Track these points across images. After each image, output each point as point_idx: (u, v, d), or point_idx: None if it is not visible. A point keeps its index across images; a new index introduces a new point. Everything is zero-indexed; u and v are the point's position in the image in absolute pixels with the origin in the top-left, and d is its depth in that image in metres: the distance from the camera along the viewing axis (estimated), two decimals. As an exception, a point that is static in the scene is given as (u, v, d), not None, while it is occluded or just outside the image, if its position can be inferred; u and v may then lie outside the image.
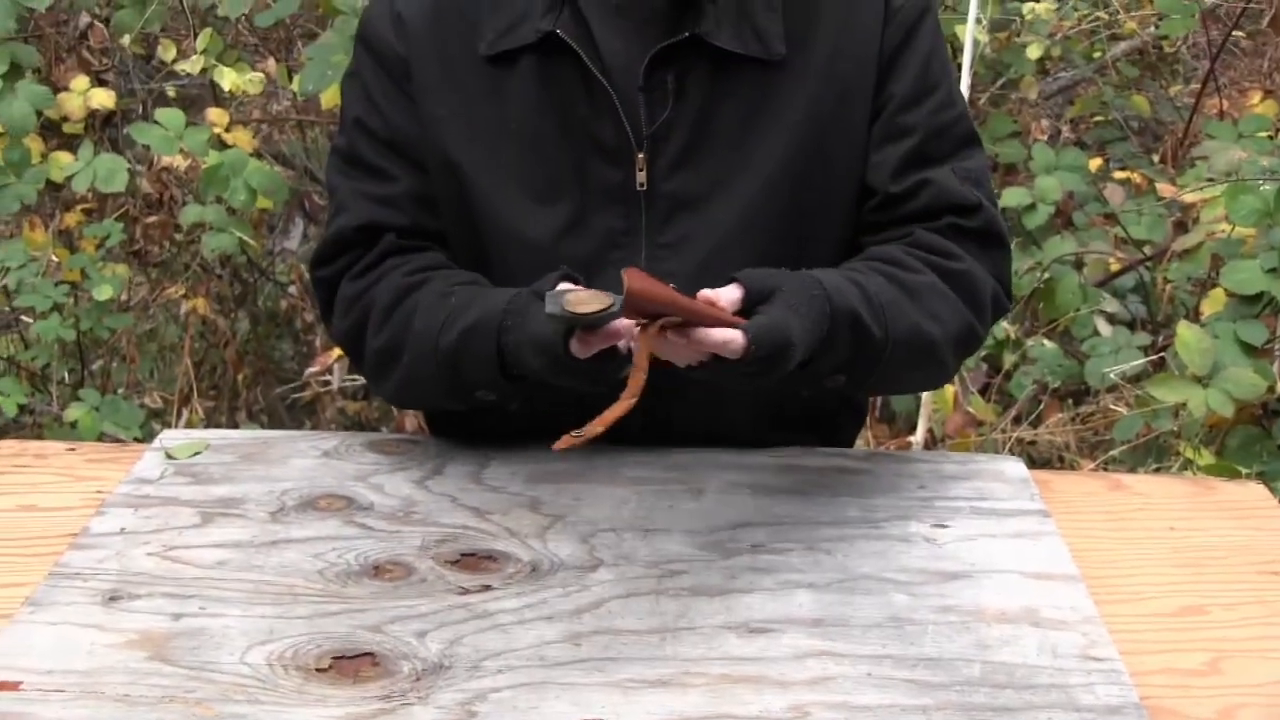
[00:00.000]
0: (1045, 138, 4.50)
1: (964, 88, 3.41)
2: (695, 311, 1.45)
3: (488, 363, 1.61)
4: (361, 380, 3.91)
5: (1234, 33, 4.81)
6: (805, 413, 1.84)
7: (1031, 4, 4.07)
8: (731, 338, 1.46)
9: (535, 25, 1.71)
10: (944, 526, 1.63)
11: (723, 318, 1.47)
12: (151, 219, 3.94)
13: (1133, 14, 4.40)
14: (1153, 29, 4.58)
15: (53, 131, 3.65)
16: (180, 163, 3.52)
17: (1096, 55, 4.78)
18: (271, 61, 3.95)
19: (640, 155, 1.72)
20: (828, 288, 1.57)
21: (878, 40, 1.76)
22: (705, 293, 1.49)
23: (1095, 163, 4.09)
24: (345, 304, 1.79)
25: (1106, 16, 4.44)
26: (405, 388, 1.77)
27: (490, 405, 1.69)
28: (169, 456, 1.76)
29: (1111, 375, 3.15)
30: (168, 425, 3.53)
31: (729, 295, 1.51)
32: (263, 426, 3.85)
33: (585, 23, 1.72)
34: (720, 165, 1.73)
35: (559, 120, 1.73)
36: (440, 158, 1.77)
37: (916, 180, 1.76)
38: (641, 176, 1.72)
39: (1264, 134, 3.39)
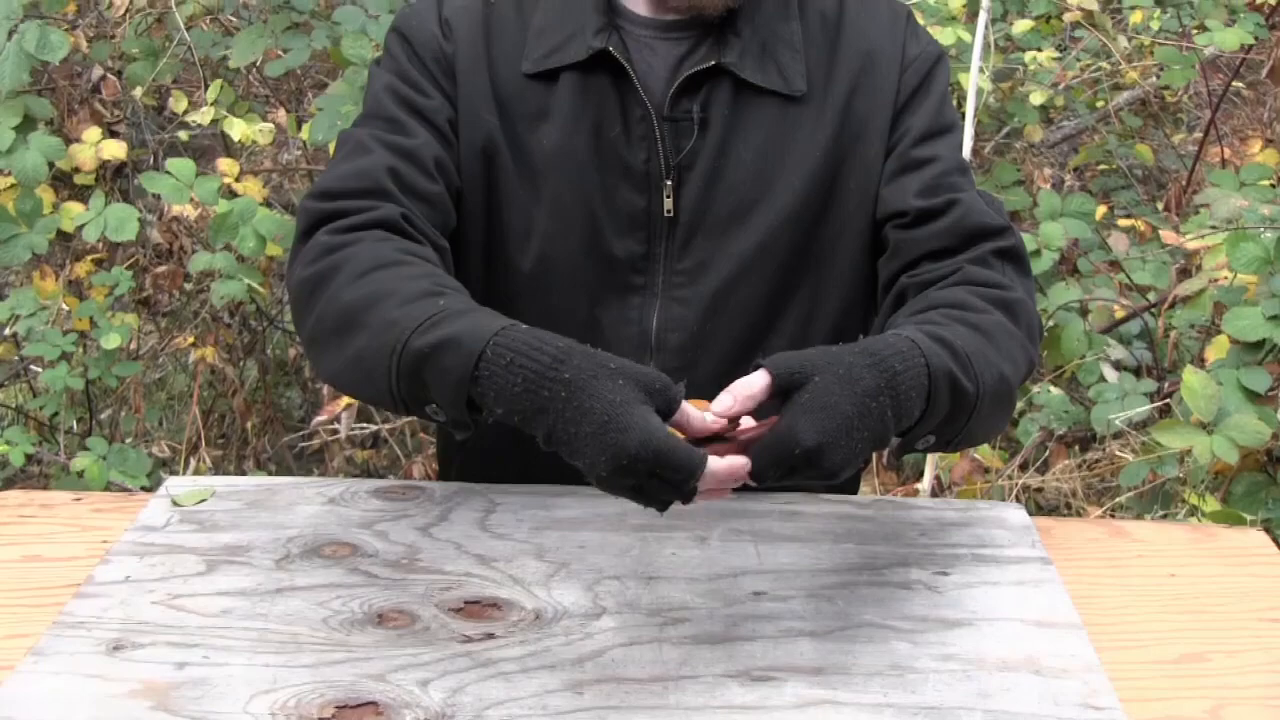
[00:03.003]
0: (1049, 185, 4.52)
1: (968, 136, 3.43)
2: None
3: (455, 382, 1.43)
4: (370, 429, 3.92)
5: (1234, 83, 4.83)
6: None
7: (1034, 53, 4.10)
8: (735, 469, 1.39)
9: (587, 43, 1.76)
10: (945, 574, 1.63)
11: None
12: (161, 268, 3.96)
13: (1134, 64, 4.42)
14: (1154, 79, 4.60)
15: (64, 182, 3.68)
16: (190, 212, 3.55)
17: (1099, 104, 4.80)
18: (282, 112, 3.98)
19: (668, 182, 1.75)
20: (921, 346, 1.49)
21: (895, 84, 1.82)
22: (735, 388, 1.42)
23: (1100, 210, 4.11)
24: (316, 251, 1.66)
25: (1109, 66, 4.46)
26: (350, 369, 1.57)
27: (430, 420, 1.54)
28: (175, 504, 1.77)
29: (1117, 422, 3.16)
30: (175, 474, 3.54)
31: (758, 383, 1.42)
32: (270, 475, 3.86)
33: (628, 49, 1.77)
34: (740, 195, 1.77)
35: (591, 141, 1.76)
36: (479, 148, 1.77)
37: (945, 199, 1.78)
38: (669, 203, 1.75)
39: (1265, 182, 3.40)
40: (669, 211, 1.77)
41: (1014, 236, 1.79)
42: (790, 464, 1.39)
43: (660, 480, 1.35)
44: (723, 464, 1.38)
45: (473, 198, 1.80)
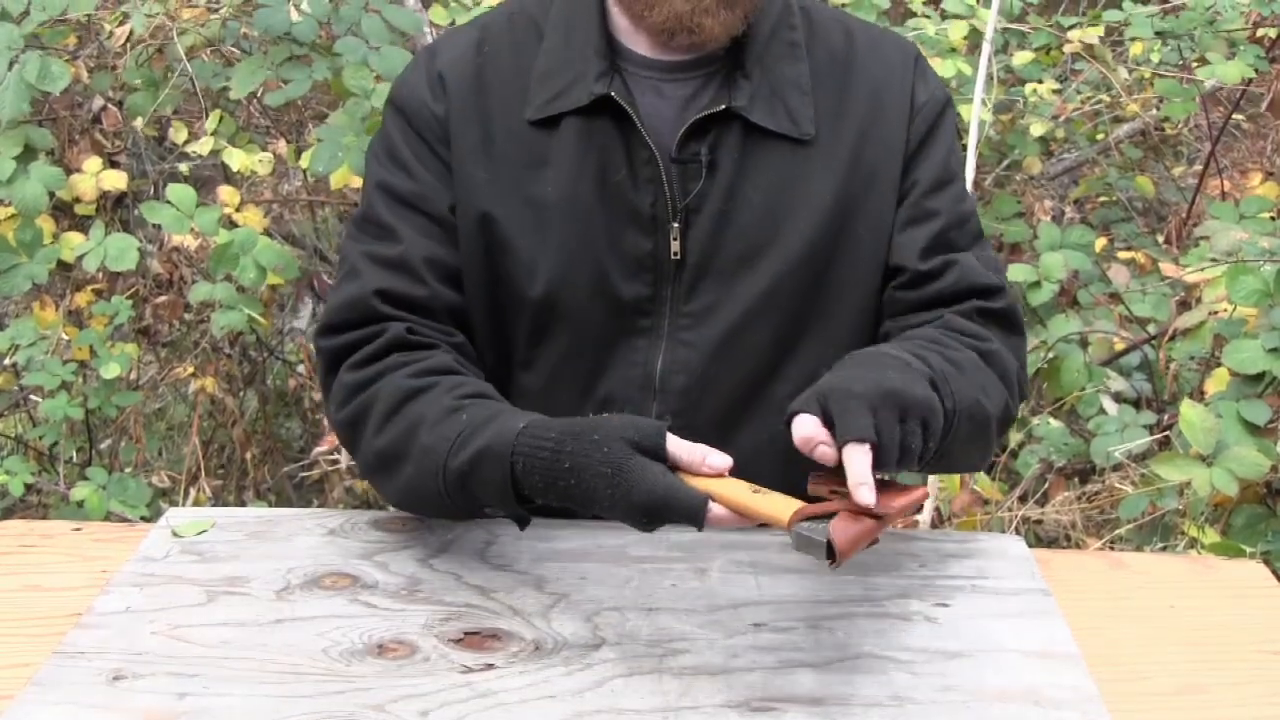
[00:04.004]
0: (1049, 218, 4.53)
1: (969, 168, 3.44)
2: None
3: (500, 487, 1.57)
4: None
5: (1234, 115, 4.84)
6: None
7: (1034, 85, 4.11)
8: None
9: (589, 88, 1.75)
10: (945, 605, 1.63)
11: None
12: (161, 298, 3.97)
13: (1135, 96, 4.43)
14: (1155, 111, 4.62)
15: (65, 212, 3.69)
16: (191, 242, 3.55)
17: (1100, 137, 4.82)
18: (282, 142, 3.99)
19: (674, 225, 1.75)
20: (912, 367, 1.57)
21: (904, 131, 1.81)
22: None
23: (1100, 242, 4.12)
24: (344, 392, 1.76)
25: (1109, 99, 4.48)
26: (407, 495, 1.73)
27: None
28: (175, 535, 1.77)
29: (1117, 454, 3.16)
30: (175, 504, 3.54)
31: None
32: (270, 505, 3.86)
33: (631, 92, 1.76)
34: (748, 239, 1.76)
35: (595, 185, 1.76)
36: (475, 215, 1.78)
37: (943, 260, 1.80)
38: (676, 246, 1.75)
39: (1265, 215, 3.41)
40: (676, 254, 1.77)
41: (1005, 298, 1.81)
42: (878, 401, 1.46)
43: (675, 521, 1.44)
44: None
45: (474, 258, 1.80)
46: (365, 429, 1.73)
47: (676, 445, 1.47)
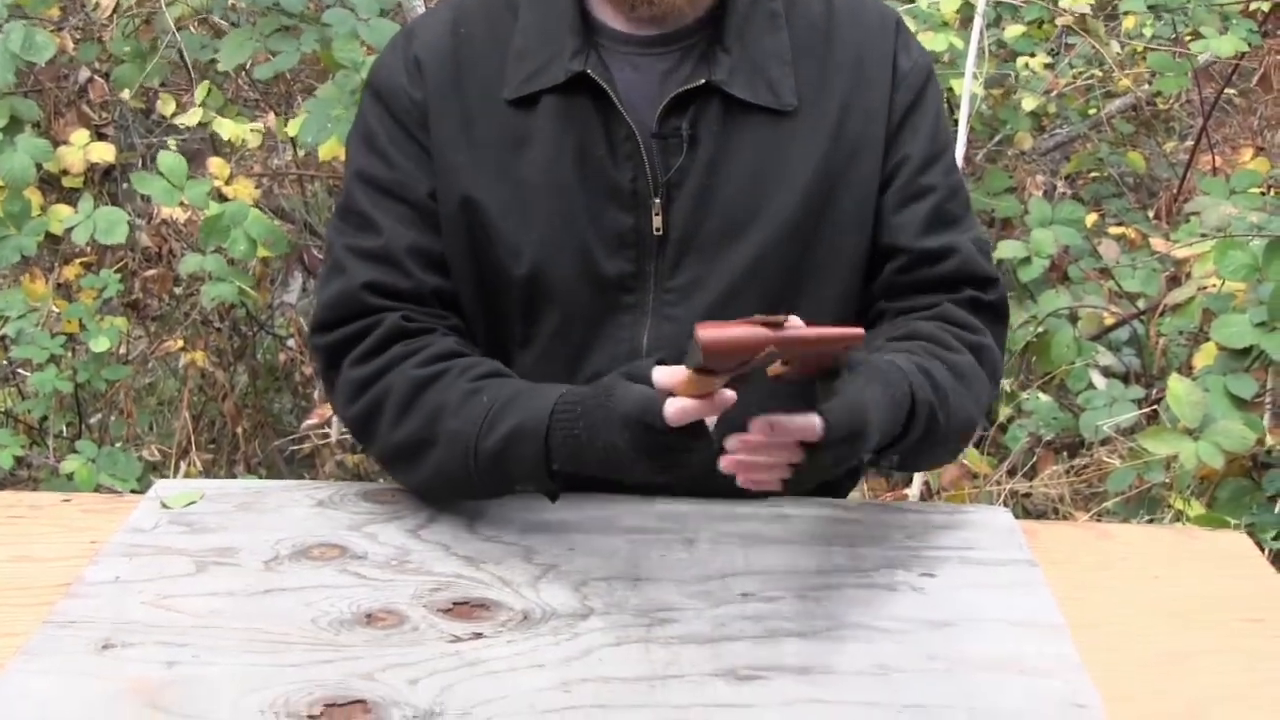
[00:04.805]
0: (1041, 193, 4.53)
1: (960, 143, 3.45)
2: (790, 340, 1.41)
3: (534, 464, 1.60)
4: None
5: (1226, 90, 4.85)
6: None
7: (1026, 60, 4.11)
8: (809, 424, 1.44)
9: (565, 66, 1.75)
10: (931, 576, 1.64)
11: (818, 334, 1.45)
12: (150, 272, 3.96)
13: (1127, 71, 4.44)
14: (1147, 86, 4.62)
15: (52, 185, 3.68)
16: (180, 215, 3.55)
17: (1092, 112, 4.82)
18: (271, 116, 3.99)
19: (656, 201, 1.75)
20: (910, 378, 1.60)
21: (887, 100, 1.81)
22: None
23: (1091, 218, 4.12)
24: (351, 389, 1.77)
25: (1101, 74, 4.48)
26: (432, 483, 1.74)
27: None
28: (164, 506, 1.78)
29: (1105, 428, 3.17)
30: (165, 478, 3.54)
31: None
32: (261, 479, 3.85)
33: (608, 68, 1.76)
34: (731, 213, 1.76)
35: (575, 163, 1.75)
36: (457, 199, 1.77)
37: (946, 244, 1.80)
38: (658, 221, 1.75)
39: (1255, 190, 3.42)
40: (658, 230, 1.76)
41: (998, 290, 1.84)
42: (856, 432, 1.47)
43: (663, 439, 1.47)
44: (796, 419, 1.44)
45: (458, 242, 1.79)
46: (380, 423, 1.74)
47: (661, 371, 1.49)
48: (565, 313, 1.78)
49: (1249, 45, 3.92)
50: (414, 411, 1.71)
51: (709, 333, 1.37)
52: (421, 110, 1.79)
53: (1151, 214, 4.66)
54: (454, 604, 1.56)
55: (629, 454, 1.51)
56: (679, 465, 1.50)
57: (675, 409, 1.44)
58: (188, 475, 3.64)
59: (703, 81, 1.74)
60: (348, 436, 3.93)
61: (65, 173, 3.46)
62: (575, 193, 1.75)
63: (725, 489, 1.54)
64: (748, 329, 1.38)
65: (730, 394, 1.44)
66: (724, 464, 1.47)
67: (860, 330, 1.46)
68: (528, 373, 1.77)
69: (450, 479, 1.70)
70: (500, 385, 1.69)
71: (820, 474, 1.49)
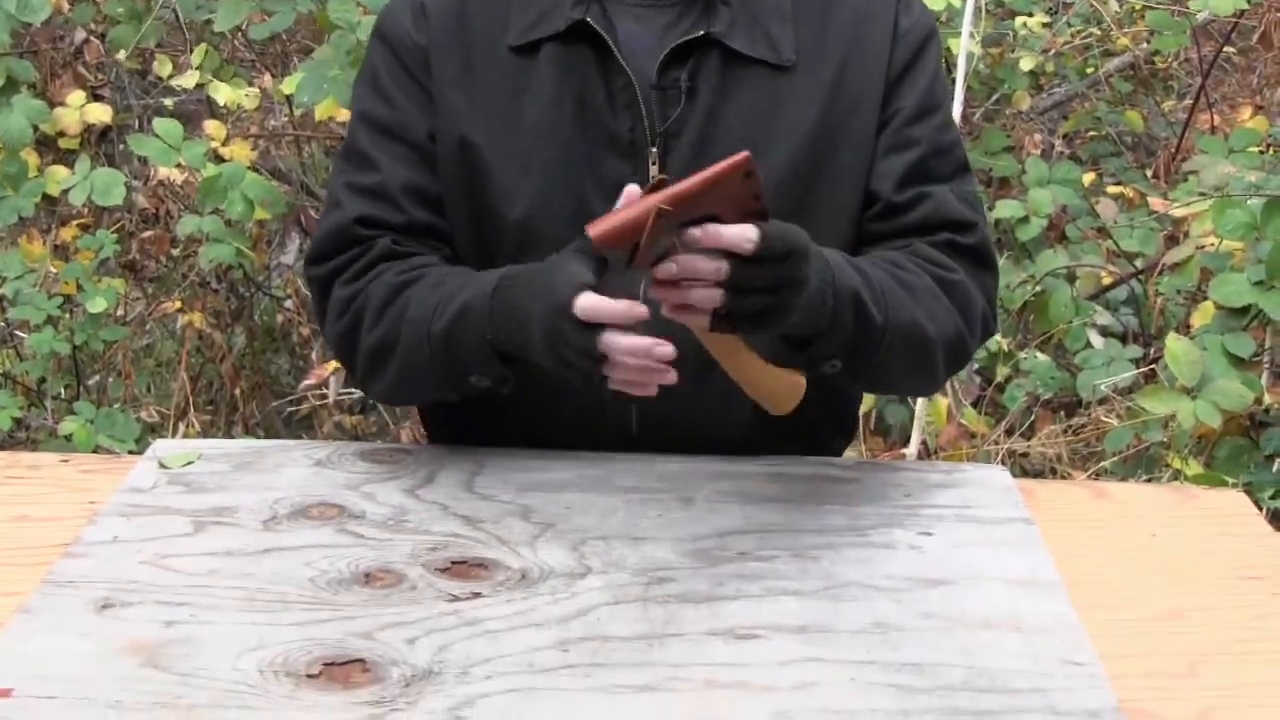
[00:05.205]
0: (1039, 152, 4.53)
1: (957, 102, 3.43)
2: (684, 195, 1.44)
3: (479, 342, 1.63)
4: (358, 394, 3.92)
5: (1225, 49, 4.83)
6: (795, 423, 1.86)
7: (1024, 19, 4.10)
8: (744, 232, 1.45)
9: (566, 14, 1.76)
10: (929, 534, 1.64)
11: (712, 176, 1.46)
12: (147, 233, 3.96)
13: (1125, 30, 4.42)
14: (1145, 45, 4.60)
15: (49, 147, 3.67)
16: (177, 176, 3.54)
17: (1090, 71, 4.80)
18: (268, 77, 3.98)
19: (653, 150, 1.75)
20: (831, 262, 1.59)
21: (886, 57, 1.81)
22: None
23: (1089, 177, 4.12)
24: (339, 307, 1.79)
25: (1099, 32, 4.46)
26: (399, 382, 1.77)
27: (484, 393, 1.70)
28: (162, 466, 1.78)
29: (1103, 387, 3.17)
30: (163, 439, 3.55)
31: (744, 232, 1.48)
32: (259, 440, 3.85)
33: (611, 19, 1.77)
34: None
35: (574, 111, 1.76)
36: (455, 142, 1.79)
37: (917, 192, 1.80)
38: (654, 171, 1.75)
39: (1253, 149, 3.41)
40: (654, 179, 1.76)
41: (977, 234, 1.81)
42: (796, 250, 1.50)
43: (566, 325, 1.50)
44: (730, 227, 1.45)
45: (455, 183, 1.80)
46: (360, 332, 1.77)
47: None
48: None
49: (1248, 3, 3.91)
50: (388, 313, 1.74)
51: (596, 227, 1.42)
52: (424, 54, 1.81)
53: (1150, 173, 4.65)
54: (452, 563, 1.57)
55: (536, 329, 1.54)
56: (568, 362, 1.53)
57: (587, 303, 1.48)
58: (186, 436, 3.64)
59: (702, 33, 1.75)
60: (345, 397, 3.94)
61: (62, 134, 3.46)
62: (573, 141, 1.76)
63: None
64: (629, 207, 1.43)
65: (643, 309, 1.47)
66: (657, 277, 1.47)
67: (745, 153, 1.46)
68: None
69: (411, 371, 1.73)
70: (463, 273, 1.73)
71: (756, 301, 1.49)
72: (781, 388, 1.63)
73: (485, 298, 1.63)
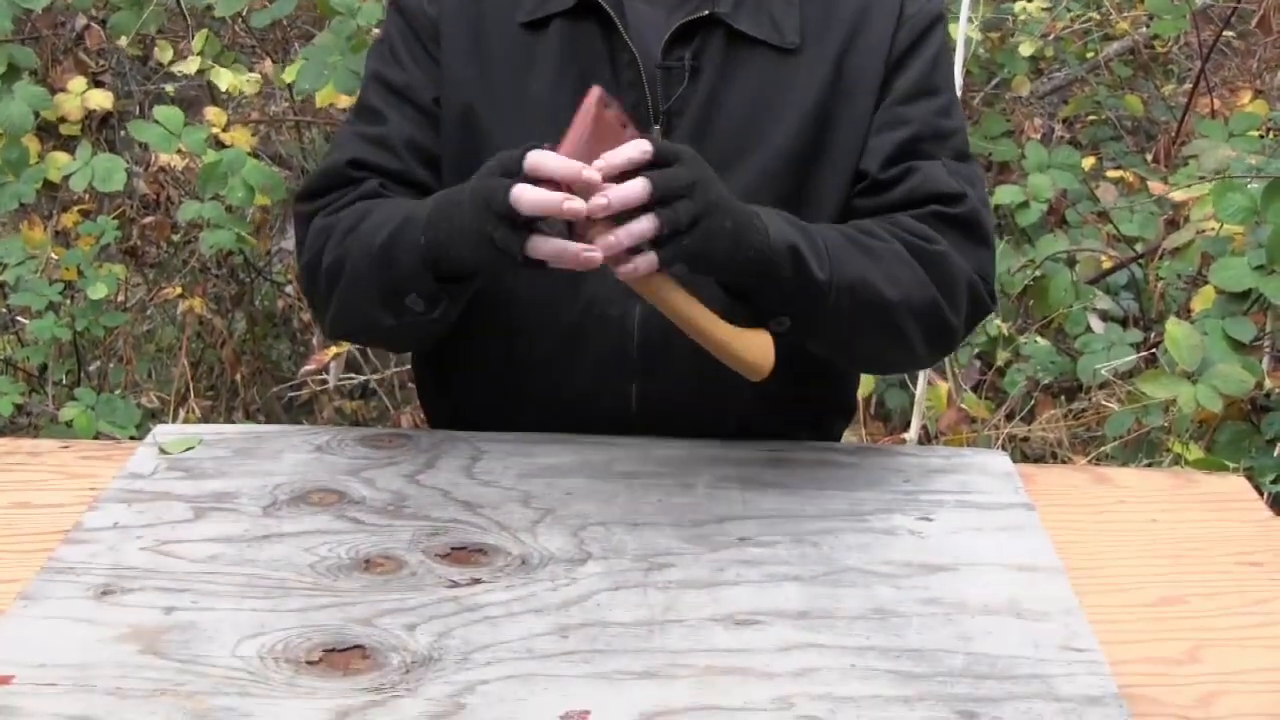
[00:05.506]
0: (1039, 137, 4.52)
1: (956, 86, 3.43)
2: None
3: (412, 247, 1.63)
4: (359, 380, 3.93)
5: (1225, 33, 4.82)
6: (794, 404, 1.86)
7: (1024, 4, 4.09)
8: (636, 144, 1.50)
9: None
10: (929, 520, 1.64)
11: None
12: (148, 219, 3.96)
13: (1125, 14, 4.42)
14: (1145, 29, 4.60)
15: (50, 133, 3.67)
16: (178, 162, 3.54)
17: (1089, 55, 4.80)
18: (268, 63, 3.97)
19: (656, 128, 1.76)
20: (762, 212, 1.60)
21: (889, 41, 1.81)
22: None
23: (1089, 161, 4.11)
24: (312, 238, 1.80)
25: (1099, 17, 4.46)
26: (345, 304, 1.76)
27: (419, 320, 1.69)
28: (162, 451, 1.78)
29: (1103, 372, 3.17)
30: (164, 425, 3.54)
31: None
32: (259, 425, 3.85)
33: None
34: (729, 144, 1.77)
35: (578, 86, 1.75)
36: (459, 108, 1.81)
37: (905, 168, 1.79)
38: None
39: (1253, 133, 3.41)
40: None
41: (967, 205, 1.79)
42: (681, 151, 1.53)
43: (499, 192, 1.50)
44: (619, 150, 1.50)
45: (455, 149, 1.81)
46: (322, 256, 1.77)
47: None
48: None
49: (1248, -13, 3.90)
50: (349, 235, 1.74)
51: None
52: (435, 25, 1.83)
53: (1149, 157, 4.65)
54: (452, 549, 1.57)
55: (467, 204, 1.55)
56: (491, 241, 1.52)
57: (526, 190, 1.49)
58: (186, 422, 3.64)
59: (706, 13, 1.76)
60: (346, 383, 3.95)
61: (63, 120, 3.45)
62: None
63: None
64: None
65: (580, 205, 1.48)
66: (592, 215, 1.48)
67: (593, 88, 1.52)
68: (526, 300, 1.79)
69: (355, 288, 1.72)
70: (417, 199, 1.75)
71: (685, 209, 1.51)
72: (750, 347, 1.62)
73: (426, 206, 1.64)
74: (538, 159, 1.50)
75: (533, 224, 1.51)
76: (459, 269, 1.62)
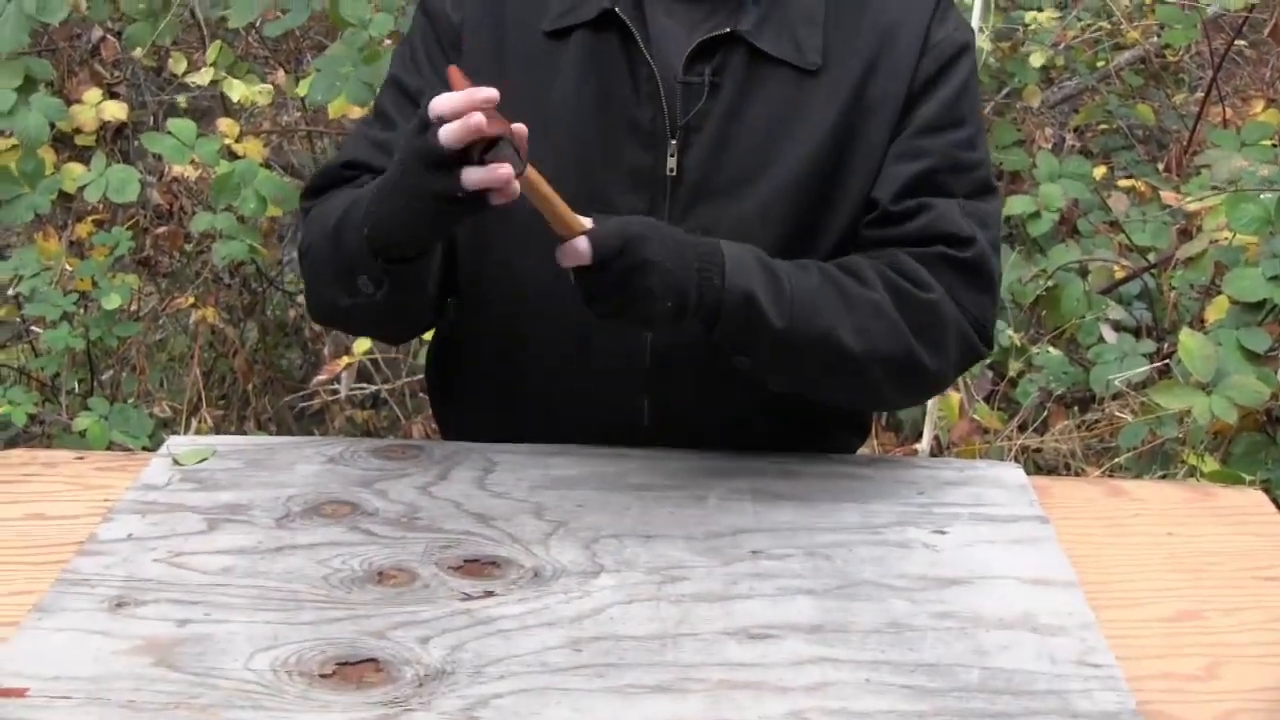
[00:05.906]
0: (1050, 146, 4.52)
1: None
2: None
3: (357, 228, 1.66)
4: (370, 389, 3.93)
5: (1236, 42, 4.81)
6: (807, 419, 1.86)
7: (1034, 14, 4.09)
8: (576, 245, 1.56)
9: (597, 3, 1.78)
10: (943, 533, 1.64)
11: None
12: (161, 229, 3.96)
13: (1136, 24, 4.41)
14: (1156, 39, 4.59)
15: (65, 144, 3.68)
16: (191, 173, 3.55)
17: (1100, 64, 4.79)
18: (281, 73, 3.98)
19: (673, 142, 1.76)
20: (730, 258, 1.64)
21: (912, 69, 1.79)
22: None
23: (1100, 171, 4.11)
24: (304, 230, 1.85)
25: (1109, 26, 4.45)
26: (312, 283, 1.82)
27: (370, 302, 1.70)
28: (176, 463, 1.78)
29: (1117, 382, 3.16)
30: (176, 434, 3.55)
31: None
32: (271, 435, 3.86)
33: (643, 11, 1.79)
34: (746, 161, 1.77)
35: (597, 97, 1.78)
36: None
37: (918, 203, 1.77)
38: (672, 163, 1.76)
39: (1266, 142, 3.40)
40: (671, 170, 1.77)
41: (974, 249, 1.77)
42: (625, 245, 1.57)
43: (430, 145, 1.52)
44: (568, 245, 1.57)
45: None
46: (304, 243, 1.83)
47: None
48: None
49: (1259, -3, 3.90)
50: (319, 219, 1.79)
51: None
52: (457, 32, 1.84)
53: (1161, 167, 4.64)
54: (465, 562, 1.57)
55: (398, 173, 1.59)
56: (431, 194, 1.55)
57: (444, 128, 1.50)
58: (198, 432, 3.64)
59: (728, 30, 1.76)
60: (357, 392, 3.95)
61: (78, 131, 3.46)
62: (594, 127, 1.78)
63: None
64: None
65: (493, 92, 1.50)
66: (494, 92, 1.51)
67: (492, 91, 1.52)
68: (534, 311, 1.79)
69: (318, 267, 1.78)
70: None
71: (603, 291, 1.59)
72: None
73: (371, 189, 1.67)
74: (439, 100, 1.52)
75: (461, 161, 1.52)
76: (397, 242, 1.64)
